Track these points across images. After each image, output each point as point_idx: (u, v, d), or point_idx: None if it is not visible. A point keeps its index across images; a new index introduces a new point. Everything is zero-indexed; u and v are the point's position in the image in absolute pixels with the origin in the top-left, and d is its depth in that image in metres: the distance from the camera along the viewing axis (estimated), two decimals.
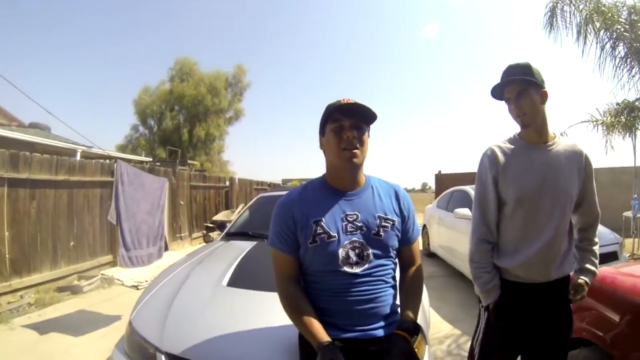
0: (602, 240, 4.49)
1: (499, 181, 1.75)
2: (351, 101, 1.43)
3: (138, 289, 5.53)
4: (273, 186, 16.56)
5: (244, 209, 4.40)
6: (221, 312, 2.05)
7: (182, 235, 9.70)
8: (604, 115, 7.38)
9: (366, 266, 1.40)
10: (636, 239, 7.37)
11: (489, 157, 1.77)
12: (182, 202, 9.77)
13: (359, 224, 1.43)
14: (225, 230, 3.91)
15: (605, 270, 2.19)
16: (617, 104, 7.29)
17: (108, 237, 6.47)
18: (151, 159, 17.20)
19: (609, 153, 7.41)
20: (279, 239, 1.45)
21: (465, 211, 5.27)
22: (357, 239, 1.41)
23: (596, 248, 1.80)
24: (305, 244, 1.41)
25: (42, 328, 3.89)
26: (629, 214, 7.13)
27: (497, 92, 1.77)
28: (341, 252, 1.39)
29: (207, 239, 10.20)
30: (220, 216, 11.44)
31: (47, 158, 5.28)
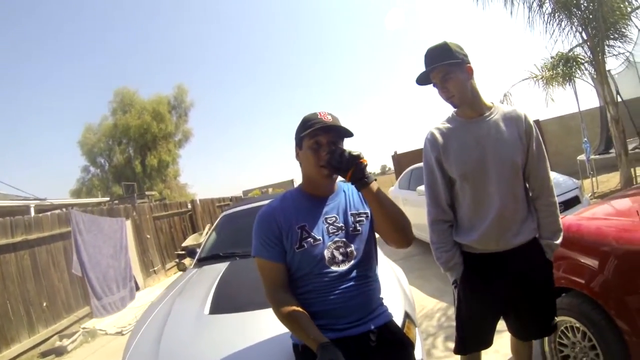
0: (562, 187, 4.79)
1: (442, 161, 1.79)
2: (328, 118, 1.49)
3: (123, 334, 5.37)
4: (235, 200, 16.41)
5: (210, 231, 4.36)
6: (210, 342, 2.04)
7: (156, 269, 9.44)
8: (542, 70, 7.82)
9: (352, 262, 1.48)
10: (593, 179, 7.84)
11: (430, 140, 1.83)
12: (148, 236, 9.51)
13: (339, 225, 1.52)
14: (196, 257, 3.82)
15: (569, 219, 2.30)
16: (552, 57, 7.76)
17: (80, 289, 6.20)
18: (108, 198, 16.66)
19: (554, 104, 7.91)
20: (265, 247, 1.47)
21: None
22: (339, 238, 1.49)
23: (554, 208, 1.80)
24: (292, 250, 1.46)
25: None
26: (582, 157, 7.55)
27: (423, 80, 1.79)
28: (327, 253, 1.46)
29: (181, 267, 9.86)
30: (189, 241, 11.23)
31: (0, 221, 5.00)
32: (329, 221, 1.52)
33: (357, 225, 1.54)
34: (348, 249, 1.49)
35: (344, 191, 1.63)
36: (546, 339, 2.25)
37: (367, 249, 1.54)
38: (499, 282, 1.77)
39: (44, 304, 5.42)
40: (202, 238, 11.09)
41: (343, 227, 1.52)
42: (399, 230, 1.53)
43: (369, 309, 1.51)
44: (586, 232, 2.12)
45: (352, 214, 1.55)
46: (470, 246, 1.80)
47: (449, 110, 1.87)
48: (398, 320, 1.94)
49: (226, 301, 2.39)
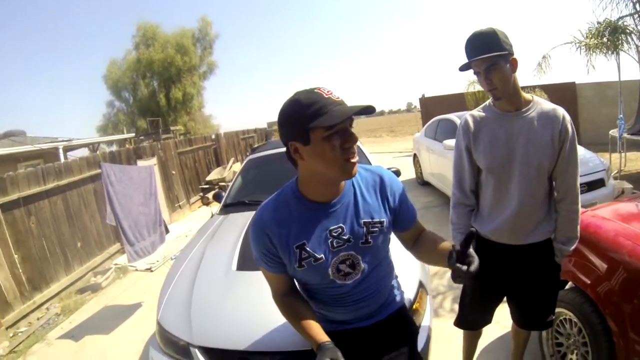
0: (589, 167, 4.61)
1: (471, 150, 1.81)
2: (339, 98, 1.14)
3: (152, 270, 5.81)
4: (259, 132, 16.53)
5: (235, 176, 4.42)
6: (238, 298, 2.19)
7: (181, 203, 9.87)
8: (587, 37, 7.28)
9: (359, 276, 1.31)
10: (622, 154, 7.54)
11: (463, 127, 1.83)
12: (174, 172, 9.83)
13: (345, 237, 1.26)
14: (222, 202, 3.92)
15: (589, 218, 2.28)
16: (599, 22, 7.17)
17: (111, 227, 6.63)
18: (134, 134, 17.09)
19: (593, 71, 7.38)
20: (264, 260, 1.30)
21: (453, 142, 5.35)
22: (345, 252, 1.28)
23: (574, 215, 1.78)
24: (292, 267, 1.28)
25: (76, 335, 4.16)
26: (615, 132, 7.21)
27: (465, 66, 1.71)
28: (331, 270, 1.28)
29: (205, 201, 10.42)
30: (212, 175, 11.59)
31: (32, 171, 5.27)
32: (333, 234, 1.26)
33: (369, 237, 1.28)
34: (355, 262, 1.29)
35: (353, 186, 1.30)
36: None
37: (379, 258, 1.37)
38: (505, 272, 1.86)
39: (78, 244, 5.85)
40: (226, 172, 11.42)
41: (350, 239, 1.27)
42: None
43: (380, 304, 1.44)
44: (603, 237, 2.12)
45: (364, 223, 1.28)
46: (485, 235, 1.86)
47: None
48: (411, 290, 2.08)
49: (252, 258, 2.56)
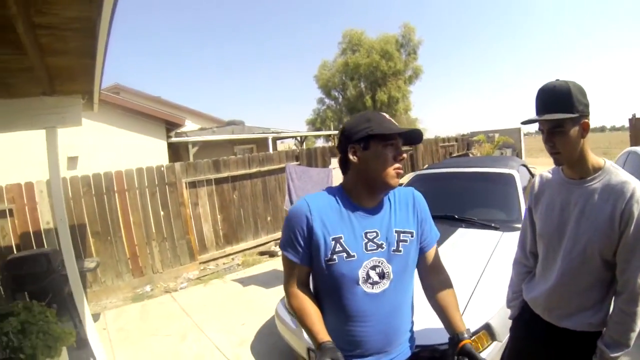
0: None
1: (532, 211, 1.72)
2: (401, 128, 1.36)
3: None
4: (460, 140, 16.31)
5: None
6: None
7: None
8: None
9: (387, 286, 1.33)
10: None
11: (532, 186, 1.75)
12: None
13: (380, 242, 1.34)
14: None
15: None
16: None
17: None
18: (337, 132, 18.62)
19: None
20: (291, 246, 1.36)
21: None
22: (377, 257, 1.33)
23: (629, 319, 1.41)
24: (319, 260, 1.32)
25: (245, 282, 5.57)
26: None
27: (528, 121, 1.52)
28: (361, 273, 1.31)
29: None
30: (404, 179, 12.17)
31: (240, 158, 7.12)
32: (368, 236, 1.33)
33: (400, 245, 1.36)
34: (385, 270, 1.33)
35: (389, 200, 1.43)
36: None
37: (406, 271, 1.39)
38: (537, 344, 1.67)
39: (268, 218, 7.48)
40: None
41: (384, 245, 1.34)
42: None
43: (392, 342, 1.39)
44: None
45: (396, 231, 1.37)
46: (528, 301, 1.73)
47: None
48: (472, 323, 2.05)
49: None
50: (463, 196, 3.99)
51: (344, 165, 1.40)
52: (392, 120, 1.38)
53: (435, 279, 1.48)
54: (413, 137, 1.39)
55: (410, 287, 1.43)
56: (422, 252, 1.46)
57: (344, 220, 1.34)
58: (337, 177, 8.33)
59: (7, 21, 1.70)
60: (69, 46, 2.31)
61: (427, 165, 6.92)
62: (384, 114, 1.40)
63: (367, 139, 1.32)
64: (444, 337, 1.40)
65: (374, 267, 1.31)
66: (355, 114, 1.44)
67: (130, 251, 5.71)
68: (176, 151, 10.98)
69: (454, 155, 14.04)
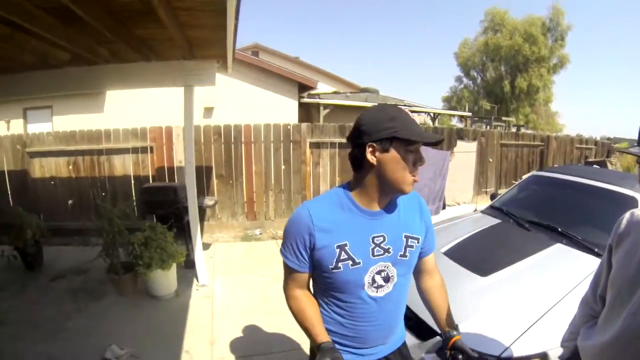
0: None
1: (612, 251, 1.41)
2: (427, 134, 1.30)
3: None
4: (600, 145, 14.38)
5: (516, 184, 4.25)
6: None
7: (487, 190, 10.44)
8: None
9: (390, 289, 1.34)
10: None
11: (617, 222, 1.42)
12: (490, 160, 10.36)
13: (386, 247, 1.30)
14: (492, 202, 3.94)
15: None
16: None
17: None
18: (470, 114, 17.83)
19: None
20: (292, 254, 1.32)
21: None
22: (383, 262, 1.30)
23: None
24: (325, 268, 1.29)
25: None
26: None
27: None
28: (367, 278, 1.29)
29: (493, 198, 10.36)
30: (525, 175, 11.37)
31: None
32: (375, 241, 1.29)
33: (407, 250, 1.34)
34: (390, 274, 1.32)
35: (397, 204, 1.37)
36: None
37: (408, 273, 1.41)
38: None
39: None
40: None
41: (390, 250, 1.30)
42: None
43: (391, 334, 1.44)
44: None
45: (405, 236, 1.34)
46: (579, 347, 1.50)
47: None
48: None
49: (462, 251, 2.78)
50: (574, 209, 3.59)
51: (356, 161, 1.28)
52: (415, 121, 1.27)
53: (429, 281, 1.54)
54: (435, 142, 1.29)
55: (409, 283, 1.44)
56: (420, 256, 1.46)
57: (349, 226, 1.28)
58: (453, 164, 8.23)
59: (151, 8, 2.20)
60: (203, 22, 2.77)
61: (590, 160, 6.26)
62: (407, 110, 1.30)
63: (389, 140, 1.21)
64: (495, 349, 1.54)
65: (379, 272, 1.30)
66: (375, 106, 1.33)
67: (247, 196, 6.48)
68: (307, 111, 11.64)
69: (589, 159, 12.49)
